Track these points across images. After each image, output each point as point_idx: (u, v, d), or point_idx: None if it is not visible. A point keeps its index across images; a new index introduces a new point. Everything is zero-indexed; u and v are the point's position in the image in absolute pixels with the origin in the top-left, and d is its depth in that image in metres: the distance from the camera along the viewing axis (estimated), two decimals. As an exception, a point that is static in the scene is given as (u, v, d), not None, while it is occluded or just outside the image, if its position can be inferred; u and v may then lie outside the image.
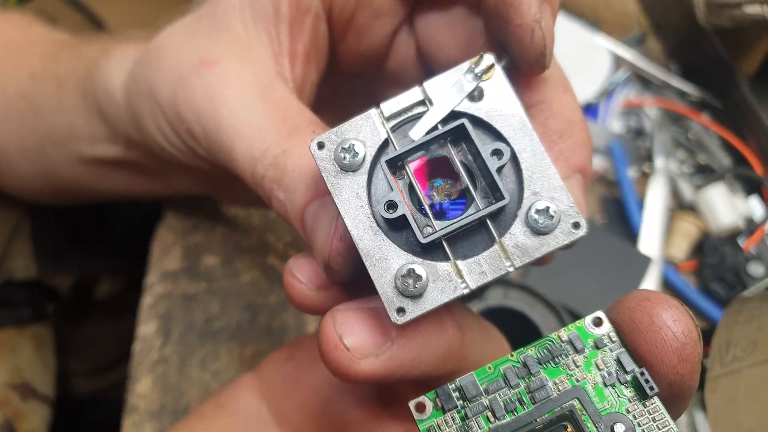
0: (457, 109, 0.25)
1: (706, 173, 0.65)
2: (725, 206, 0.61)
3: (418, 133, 0.25)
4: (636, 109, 0.70)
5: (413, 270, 0.23)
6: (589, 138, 0.29)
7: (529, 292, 0.51)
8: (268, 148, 0.29)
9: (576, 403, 0.23)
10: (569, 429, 0.23)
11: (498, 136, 0.25)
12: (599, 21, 0.76)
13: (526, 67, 0.27)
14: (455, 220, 0.24)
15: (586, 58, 0.72)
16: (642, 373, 0.22)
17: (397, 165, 0.25)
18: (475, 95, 0.25)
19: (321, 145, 0.25)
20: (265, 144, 0.30)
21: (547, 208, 0.24)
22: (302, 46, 0.33)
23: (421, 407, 0.23)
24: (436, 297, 0.24)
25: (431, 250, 0.24)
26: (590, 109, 0.71)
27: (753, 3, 0.54)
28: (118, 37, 0.48)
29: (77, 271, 0.78)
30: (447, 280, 0.24)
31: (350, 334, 0.25)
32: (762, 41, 0.63)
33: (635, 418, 0.22)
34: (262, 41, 0.33)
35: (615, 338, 0.24)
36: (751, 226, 0.61)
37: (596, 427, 0.22)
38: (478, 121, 0.25)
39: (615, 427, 0.22)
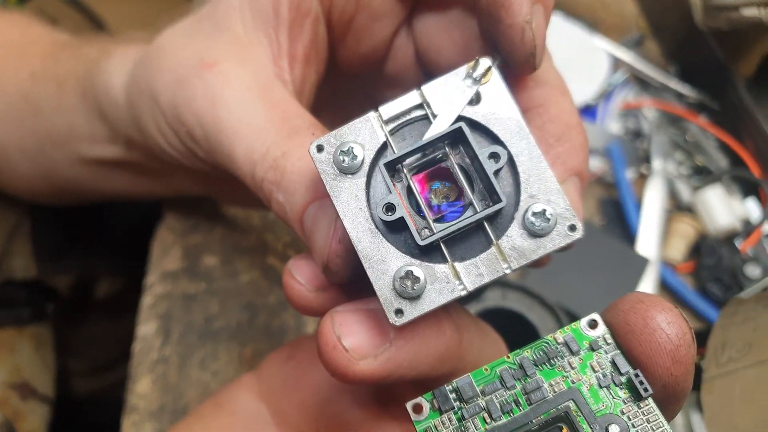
0: (455, 112, 0.25)
1: (703, 175, 0.66)
2: (722, 208, 0.61)
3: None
4: (634, 111, 0.71)
5: (411, 272, 0.24)
6: (586, 141, 0.29)
7: (527, 294, 0.51)
8: (267, 150, 0.30)
9: (571, 404, 0.23)
10: (564, 430, 0.23)
11: (495, 139, 0.25)
12: (598, 23, 0.76)
13: (517, 67, 0.27)
14: (453, 223, 0.24)
15: (584, 59, 0.72)
16: (636, 375, 0.23)
17: (395, 168, 0.25)
18: (473, 99, 0.25)
19: (320, 148, 0.25)
20: (265, 146, 0.30)
21: (544, 210, 0.24)
22: (302, 48, 0.33)
23: (418, 408, 0.24)
24: (434, 298, 0.24)
25: (429, 252, 0.24)
26: (588, 111, 0.71)
27: (750, 6, 0.54)
28: (118, 38, 0.48)
29: (77, 271, 0.78)
30: (445, 282, 0.24)
31: (349, 335, 0.26)
32: (759, 43, 0.63)
33: (630, 419, 0.23)
34: (261, 43, 0.33)
35: (610, 340, 0.24)
36: (748, 228, 0.61)
37: (591, 428, 0.23)
38: (475, 125, 0.25)
39: (610, 428, 0.22)
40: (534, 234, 0.24)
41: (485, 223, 0.24)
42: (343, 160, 0.25)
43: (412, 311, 0.24)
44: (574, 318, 0.51)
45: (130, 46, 0.41)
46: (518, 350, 0.24)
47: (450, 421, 0.23)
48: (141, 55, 0.38)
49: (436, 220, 0.25)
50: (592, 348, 0.24)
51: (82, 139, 0.46)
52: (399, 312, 0.24)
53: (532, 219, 0.24)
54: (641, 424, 0.23)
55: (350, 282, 0.28)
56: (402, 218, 0.24)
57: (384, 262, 0.24)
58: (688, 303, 0.59)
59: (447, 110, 0.25)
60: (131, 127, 0.39)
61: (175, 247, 0.57)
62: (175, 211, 0.59)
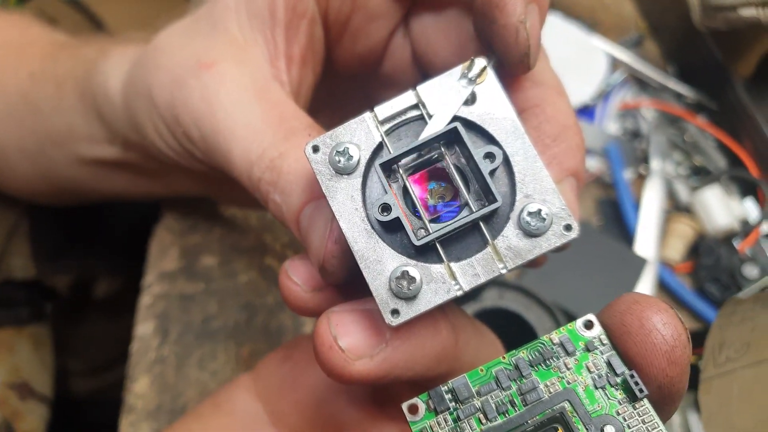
0: (450, 113, 0.25)
1: (701, 175, 0.66)
2: (721, 208, 0.61)
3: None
4: (632, 111, 0.71)
5: (407, 272, 0.24)
6: (583, 142, 0.29)
7: (525, 294, 0.51)
8: (264, 150, 0.30)
9: (567, 405, 0.23)
10: (560, 431, 0.23)
11: (491, 139, 0.25)
12: (596, 23, 0.76)
13: (511, 67, 0.27)
14: (449, 223, 0.24)
15: (583, 59, 0.72)
16: (632, 376, 0.23)
17: (391, 168, 0.25)
18: (468, 99, 0.25)
19: (316, 149, 0.25)
20: (262, 147, 0.30)
21: (539, 210, 0.24)
22: (298, 49, 0.33)
23: (413, 409, 0.24)
24: (429, 299, 0.24)
25: (425, 253, 0.25)
26: (587, 111, 0.71)
27: (748, 6, 0.54)
28: (117, 38, 0.48)
29: (76, 271, 0.78)
30: (441, 282, 0.24)
31: (345, 336, 0.26)
32: (757, 44, 0.63)
33: (625, 420, 0.23)
34: (258, 44, 0.33)
35: (606, 341, 0.24)
36: (746, 228, 0.61)
37: (587, 428, 0.23)
38: (470, 125, 0.25)
39: (605, 428, 0.22)
40: (530, 234, 0.24)
41: (481, 223, 0.24)
42: (339, 161, 0.25)
43: (408, 311, 0.24)
44: (572, 318, 0.51)
45: (128, 47, 0.41)
46: (514, 351, 0.24)
47: (446, 422, 0.23)
48: (138, 55, 0.38)
49: (431, 221, 0.25)
50: (588, 349, 0.24)
51: (81, 139, 0.46)
52: (395, 312, 0.24)
53: (528, 219, 0.24)
54: (636, 425, 0.23)
55: (346, 282, 0.28)
56: (398, 218, 0.24)
57: (380, 262, 0.24)
58: (687, 303, 0.59)
59: (442, 110, 0.25)
60: (129, 128, 0.39)
61: (174, 247, 0.57)
62: (173, 211, 0.59)
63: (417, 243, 0.24)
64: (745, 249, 0.60)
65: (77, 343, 0.80)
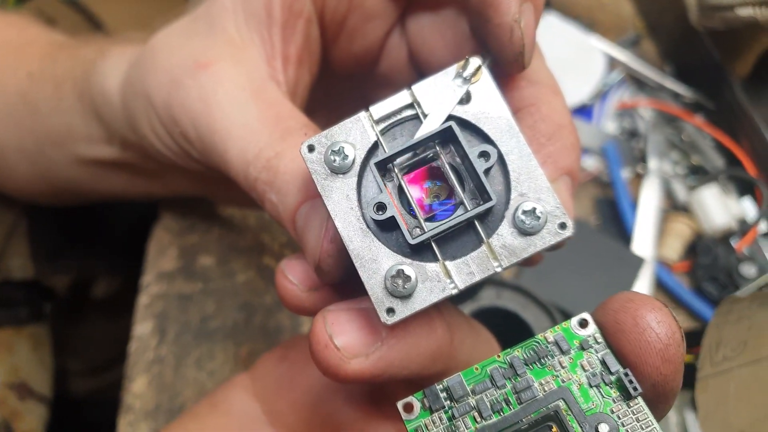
0: (445, 112, 0.25)
1: (699, 174, 0.66)
2: (718, 207, 0.61)
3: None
4: (630, 111, 0.71)
5: (402, 271, 0.24)
6: (578, 141, 0.29)
7: (522, 293, 0.51)
8: (260, 150, 0.30)
9: (561, 403, 0.23)
10: (554, 429, 0.23)
11: (485, 138, 0.25)
12: (594, 23, 0.77)
13: (506, 66, 0.27)
14: (444, 222, 0.24)
15: (580, 59, 0.72)
16: (626, 374, 0.23)
17: (386, 167, 0.25)
18: (463, 98, 0.25)
19: (311, 148, 0.25)
20: (258, 146, 0.30)
21: (534, 209, 0.24)
22: (295, 49, 0.33)
23: (409, 407, 0.24)
24: (425, 297, 0.24)
25: (420, 251, 0.25)
26: (584, 111, 0.71)
27: (745, 5, 0.54)
28: (115, 38, 0.48)
29: (74, 271, 0.79)
30: (436, 281, 0.24)
31: (340, 334, 0.26)
32: (755, 43, 0.63)
33: (619, 418, 0.23)
34: (255, 44, 0.33)
35: (600, 339, 0.24)
36: (744, 227, 0.61)
37: (581, 427, 0.23)
38: (465, 124, 0.25)
39: (599, 427, 0.22)
40: (524, 232, 0.24)
41: (476, 222, 0.24)
42: (334, 160, 0.25)
43: (403, 310, 0.24)
44: (569, 317, 0.51)
45: (127, 47, 0.41)
46: (509, 349, 0.25)
47: (440, 420, 0.24)
48: (136, 55, 0.38)
49: (427, 219, 0.25)
50: (583, 347, 0.24)
51: (80, 139, 0.46)
52: (390, 311, 0.24)
53: (523, 217, 0.24)
54: (631, 423, 0.23)
55: (342, 282, 0.28)
56: (393, 217, 0.24)
57: (375, 261, 0.24)
58: (684, 302, 0.59)
59: (437, 109, 0.25)
60: (126, 128, 0.40)
61: (172, 247, 0.57)
62: (171, 211, 0.59)
63: (412, 242, 0.24)
64: (743, 248, 0.60)
65: (76, 343, 0.80)
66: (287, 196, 0.29)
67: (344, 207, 0.25)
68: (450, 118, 0.25)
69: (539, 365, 0.24)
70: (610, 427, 0.22)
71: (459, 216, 0.24)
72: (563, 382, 0.24)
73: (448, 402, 0.24)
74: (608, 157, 0.66)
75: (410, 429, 0.24)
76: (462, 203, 0.25)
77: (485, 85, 0.25)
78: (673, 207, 0.64)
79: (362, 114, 0.26)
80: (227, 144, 0.31)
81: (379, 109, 0.26)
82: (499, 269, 0.24)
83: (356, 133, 0.25)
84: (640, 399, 0.23)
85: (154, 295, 0.54)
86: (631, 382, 0.23)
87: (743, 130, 0.64)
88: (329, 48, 0.36)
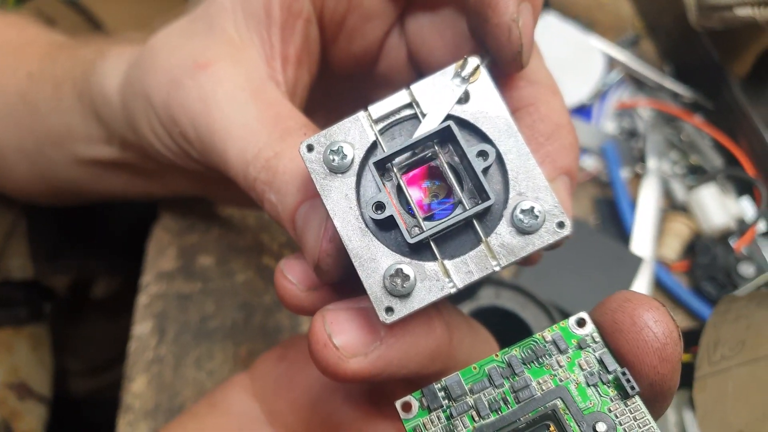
0: (444, 111, 0.25)
1: (698, 174, 0.66)
2: (717, 207, 0.61)
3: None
4: (629, 111, 0.71)
5: (401, 270, 0.24)
6: (576, 141, 0.29)
7: (521, 292, 0.51)
8: (260, 150, 0.30)
9: (559, 402, 0.23)
10: (552, 428, 0.23)
11: (484, 137, 0.25)
12: (593, 23, 0.77)
13: (504, 66, 0.27)
14: (442, 221, 0.24)
15: (580, 59, 0.72)
16: (624, 373, 0.23)
17: (385, 167, 0.26)
18: (462, 97, 0.25)
19: (310, 148, 0.25)
20: (257, 146, 0.30)
21: (532, 208, 0.24)
22: (294, 49, 0.33)
23: (407, 407, 0.24)
24: (423, 296, 0.24)
25: (419, 250, 0.25)
26: (584, 110, 0.71)
27: (744, 5, 0.55)
28: (115, 39, 0.48)
29: (74, 271, 0.79)
30: (434, 280, 0.24)
31: (339, 334, 0.26)
32: (753, 43, 0.63)
33: (617, 417, 0.23)
34: (254, 44, 0.33)
35: (598, 339, 0.24)
36: (743, 227, 0.61)
37: (579, 426, 0.23)
38: (464, 123, 0.25)
39: (597, 426, 0.23)
40: (523, 231, 0.24)
41: (474, 221, 0.24)
42: (333, 160, 0.25)
43: (402, 309, 0.24)
44: (567, 317, 0.51)
45: (126, 47, 0.41)
46: (507, 349, 0.25)
47: (438, 420, 0.24)
48: (135, 56, 0.38)
49: (425, 219, 0.25)
50: (580, 346, 0.24)
51: (79, 139, 0.46)
52: (389, 310, 0.24)
53: (521, 216, 0.24)
54: (628, 422, 0.23)
55: (341, 281, 0.28)
56: (392, 217, 0.24)
57: (374, 260, 0.24)
58: (683, 302, 0.59)
59: (436, 109, 0.25)
60: (126, 128, 0.40)
61: (171, 247, 0.57)
62: (171, 211, 0.59)
63: (411, 241, 0.24)
64: (741, 248, 0.60)
65: (76, 343, 0.80)
66: (286, 195, 0.29)
67: (343, 206, 0.25)
68: (448, 117, 0.25)
69: (537, 364, 0.24)
70: (607, 426, 0.23)
71: (457, 215, 0.24)
72: (561, 381, 0.24)
73: (447, 401, 0.24)
74: (607, 156, 0.66)
75: (408, 428, 0.24)
76: (460, 202, 0.25)
77: (484, 84, 0.25)
78: (672, 207, 0.64)
79: (361, 114, 0.26)
80: (226, 144, 0.31)
81: (378, 108, 0.26)
82: (497, 268, 0.24)
83: (355, 132, 0.25)
84: (637, 398, 0.23)
85: (153, 295, 0.54)
86: (628, 381, 0.23)
87: (742, 130, 0.64)
88: (328, 48, 0.36)
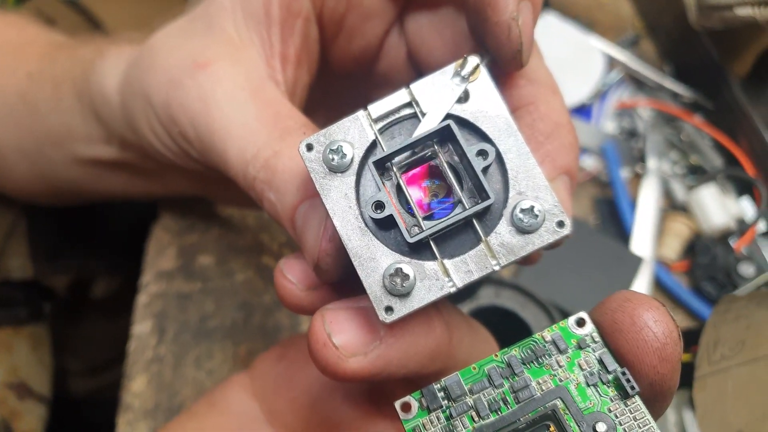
0: (443, 110, 0.25)
1: (698, 174, 0.66)
2: (717, 207, 0.61)
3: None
4: (629, 110, 0.71)
5: (401, 269, 0.24)
6: (576, 140, 0.29)
7: (521, 292, 0.51)
8: (259, 150, 0.30)
9: (559, 402, 0.23)
10: (552, 428, 0.23)
11: (483, 136, 0.25)
12: (593, 23, 0.77)
13: (504, 64, 0.27)
14: (442, 220, 0.24)
15: (580, 59, 0.72)
16: (623, 373, 0.23)
17: (384, 166, 0.26)
18: (461, 97, 0.25)
19: (310, 147, 0.25)
20: (257, 146, 0.30)
21: (532, 207, 0.24)
22: (293, 49, 0.33)
23: (406, 407, 0.24)
24: (423, 295, 0.24)
25: (419, 250, 0.25)
26: (584, 110, 0.71)
27: (744, 5, 0.54)
28: (114, 38, 0.48)
29: (74, 271, 0.79)
30: (434, 279, 0.24)
31: (339, 333, 0.26)
32: (753, 43, 0.63)
33: (617, 417, 0.23)
34: (254, 43, 0.33)
35: (598, 339, 0.24)
36: (743, 227, 0.61)
37: (578, 426, 0.23)
38: (464, 122, 0.25)
39: (597, 426, 0.22)
40: (522, 230, 0.24)
41: (474, 220, 0.24)
42: (333, 159, 0.25)
43: (401, 308, 0.24)
44: (567, 317, 0.51)
45: (125, 47, 0.41)
46: (506, 349, 0.25)
47: (438, 420, 0.24)
48: (135, 55, 0.38)
49: (425, 218, 0.25)
50: (580, 346, 0.24)
51: (79, 139, 0.46)
52: (389, 309, 0.24)
53: (521, 215, 0.24)
54: (628, 422, 0.23)
55: (341, 280, 0.28)
56: (391, 216, 0.24)
57: (374, 259, 0.24)
58: (683, 302, 0.59)
59: (436, 108, 0.25)
60: (125, 128, 0.40)
61: (171, 246, 0.57)
62: (170, 210, 0.59)
63: (410, 240, 0.24)
64: (741, 248, 0.60)
65: (76, 343, 0.80)
66: (286, 195, 0.29)
67: (343, 206, 0.25)
68: (448, 116, 0.25)
69: (537, 364, 0.24)
70: (607, 426, 0.22)
71: (457, 214, 0.24)
72: (561, 381, 0.24)
73: (446, 401, 0.24)
74: (607, 156, 0.66)
75: (408, 428, 0.24)
76: (460, 202, 0.25)
77: (483, 83, 0.25)
78: (672, 207, 0.64)
79: (361, 113, 0.26)
80: (226, 143, 0.31)
81: (378, 107, 0.26)
82: (497, 267, 0.24)
83: (355, 131, 0.25)
84: (637, 398, 0.23)
85: (153, 295, 0.54)
86: (628, 381, 0.23)
87: (742, 129, 0.64)
88: (328, 47, 0.36)
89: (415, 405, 0.24)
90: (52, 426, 0.62)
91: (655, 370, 0.22)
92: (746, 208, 0.63)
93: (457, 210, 0.25)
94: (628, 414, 0.23)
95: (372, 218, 0.25)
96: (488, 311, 0.50)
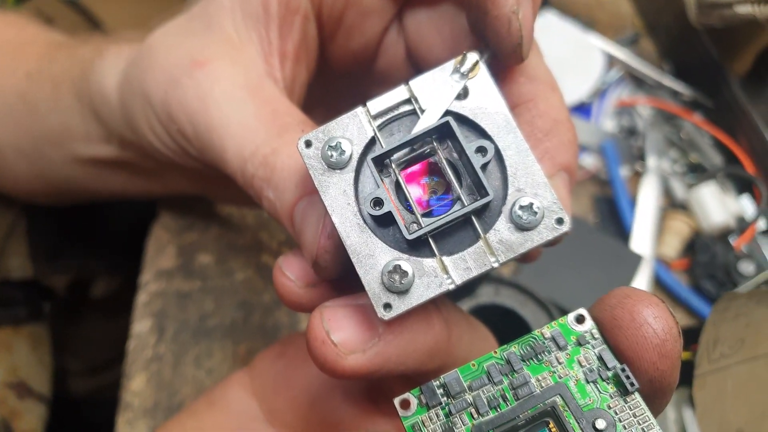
0: (442, 107, 0.25)
1: (698, 172, 0.66)
2: (717, 205, 0.61)
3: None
4: (629, 109, 0.71)
5: (399, 266, 0.24)
6: (575, 137, 0.29)
7: (521, 290, 0.51)
8: (257, 147, 0.30)
9: (558, 399, 0.23)
10: (551, 425, 0.23)
11: (482, 133, 0.25)
12: (593, 21, 0.77)
13: (504, 58, 0.27)
14: (441, 217, 0.24)
15: (579, 57, 0.72)
16: (623, 370, 0.23)
17: (383, 163, 0.25)
18: (460, 93, 0.25)
19: (308, 144, 0.25)
20: (255, 143, 0.30)
21: (531, 204, 0.24)
22: (292, 46, 0.33)
23: (405, 404, 0.24)
24: (422, 293, 0.24)
25: (417, 247, 0.25)
26: (583, 109, 0.71)
27: (744, 3, 0.54)
28: (113, 38, 0.48)
29: (73, 270, 0.79)
30: (433, 276, 0.24)
31: (337, 330, 0.26)
32: (753, 41, 0.63)
33: (616, 413, 0.23)
34: (252, 41, 0.33)
35: (597, 335, 0.24)
36: (742, 225, 0.61)
37: (578, 422, 0.23)
38: (463, 119, 0.25)
39: (596, 422, 0.22)
40: (521, 227, 0.24)
41: (473, 217, 0.24)
42: (331, 156, 0.25)
43: (400, 305, 0.24)
44: (566, 314, 0.51)
45: (124, 46, 0.41)
46: (505, 345, 0.24)
47: (437, 417, 0.23)
48: (133, 54, 0.38)
49: (424, 215, 0.25)
50: (579, 343, 0.24)
51: (78, 138, 0.46)
52: (387, 306, 0.24)
53: (520, 212, 0.24)
54: (628, 419, 0.23)
55: (340, 278, 0.28)
56: (390, 213, 0.24)
57: (372, 256, 0.24)
58: (682, 300, 0.59)
59: (435, 105, 0.25)
60: (124, 127, 0.40)
61: (170, 245, 0.57)
62: (170, 209, 0.59)
63: (409, 237, 0.24)
64: (741, 246, 0.60)
65: (75, 342, 0.80)
66: (284, 192, 0.29)
67: (341, 203, 0.25)
68: (447, 113, 0.25)
69: (536, 361, 0.24)
70: (607, 423, 0.22)
71: (456, 211, 0.24)
72: (560, 377, 0.24)
73: (445, 398, 0.24)
74: (607, 155, 0.66)
75: (407, 426, 0.23)
76: (459, 198, 0.25)
77: (482, 80, 0.25)
78: (672, 205, 0.64)
79: (359, 109, 0.26)
80: (224, 141, 0.31)
81: (377, 104, 0.26)
82: (496, 264, 0.24)
83: (353, 128, 0.25)
84: (637, 394, 0.23)
85: (152, 293, 0.54)
86: (628, 377, 0.23)
87: (742, 128, 0.64)
88: (327, 45, 0.36)
89: (414, 402, 0.24)
90: (52, 425, 0.62)
91: (654, 366, 0.22)
92: (746, 206, 0.63)
93: (456, 207, 0.25)
94: (628, 411, 0.23)
95: (371, 215, 0.24)
96: (488, 309, 0.50)
